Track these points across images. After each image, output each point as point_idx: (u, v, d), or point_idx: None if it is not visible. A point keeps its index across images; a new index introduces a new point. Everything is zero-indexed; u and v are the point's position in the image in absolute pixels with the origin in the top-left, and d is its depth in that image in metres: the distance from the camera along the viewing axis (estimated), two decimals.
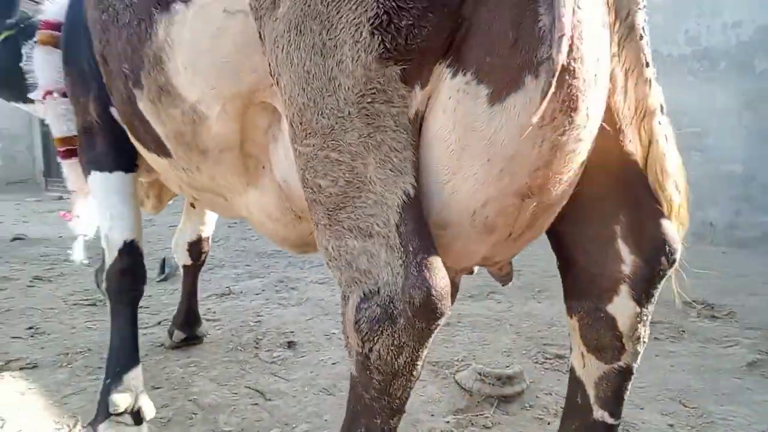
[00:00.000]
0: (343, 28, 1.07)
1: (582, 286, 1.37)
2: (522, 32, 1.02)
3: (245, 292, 4.14)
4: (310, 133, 1.18)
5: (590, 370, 1.38)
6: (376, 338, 1.14)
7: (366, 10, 1.04)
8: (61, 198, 12.44)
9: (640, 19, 1.12)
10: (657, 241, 1.29)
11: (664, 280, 1.33)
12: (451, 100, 1.11)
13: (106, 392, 2.06)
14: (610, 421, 1.37)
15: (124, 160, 2.14)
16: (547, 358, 2.77)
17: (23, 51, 2.49)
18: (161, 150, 1.81)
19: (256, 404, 2.33)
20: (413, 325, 1.12)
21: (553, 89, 0.96)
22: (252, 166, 1.61)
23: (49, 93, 2.31)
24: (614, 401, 1.37)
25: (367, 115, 1.10)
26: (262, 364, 2.75)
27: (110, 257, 2.14)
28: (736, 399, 2.37)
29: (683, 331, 3.21)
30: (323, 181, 1.18)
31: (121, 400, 2.00)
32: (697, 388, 2.47)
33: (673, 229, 1.33)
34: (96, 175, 2.15)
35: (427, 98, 1.13)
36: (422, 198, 1.16)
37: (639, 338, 1.33)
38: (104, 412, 2.02)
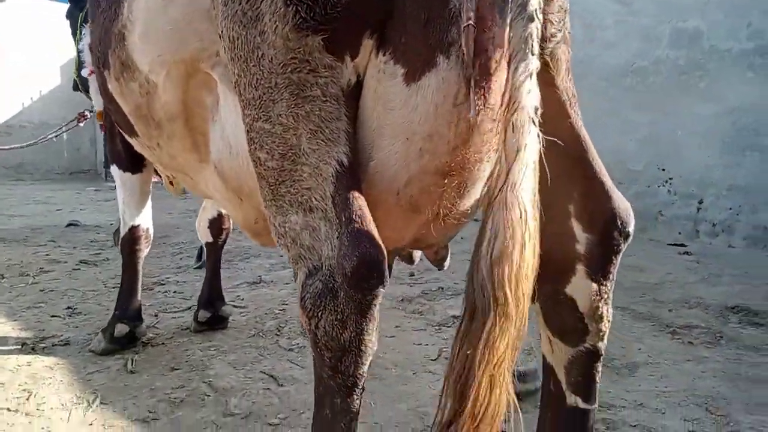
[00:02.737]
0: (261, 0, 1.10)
1: (541, 270, 1.35)
2: (433, 13, 1.06)
3: (275, 281, 4.20)
4: (246, 104, 1.20)
5: (558, 355, 1.35)
6: (320, 314, 1.14)
7: None
8: None
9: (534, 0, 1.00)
10: (609, 217, 1.28)
11: (621, 255, 1.30)
12: (373, 79, 1.14)
13: (114, 320, 2.75)
14: (583, 406, 1.35)
15: (132, 163, 2.57)
16: None
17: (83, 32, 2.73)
18: (131, 130, 2.00)
19: (269, 389, 2.36)
20: (352, 298, 1.11)
21: (474, 76, 1.00)
22: (202, 144, 1.70)
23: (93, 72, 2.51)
24: (586, 385, 1.34)
25: (294, 85, 1.11)
26: (281, 351, 2.78)
27: (123, 230, 2.75)
28: None
29: (720, 337, 3.04)
30: (261, 154, 1.21)
31: (121, 329, 2.72)
32: (728, 397, 2.33)
33: (625, 203, 1.30)
34: (113, 167, 2.63)
35: (361, 71, 1.15)
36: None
37: (602, 317, 1.31)
38: (110, 334, 2.71)
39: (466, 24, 1.02)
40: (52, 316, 3.31)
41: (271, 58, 1.12)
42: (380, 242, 1.12)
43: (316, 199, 1.16)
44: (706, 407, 2.23)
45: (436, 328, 3.12)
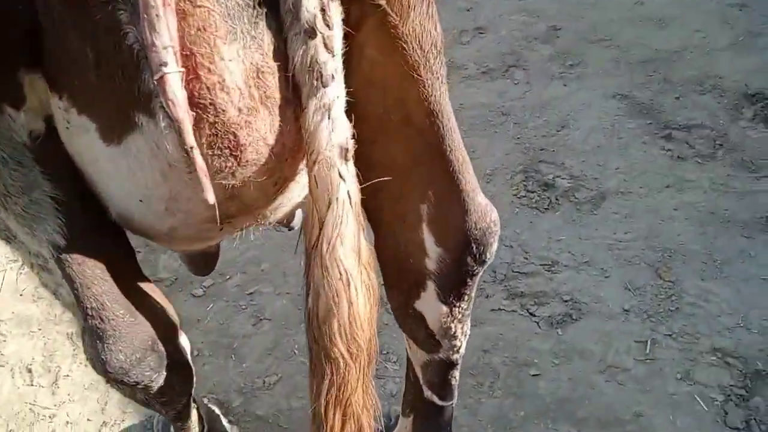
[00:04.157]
0: None
1: (392, 276, 1.13)
2: (103, 50, 0.68)
3: None
4: None
5: (415, 354, 1.25)
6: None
7: None
8: None
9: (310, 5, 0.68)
10: (463, 238, 1.00)
11: (478, 276, 1.07)
12: (63, 130, 0.82)
13: None
14: (440, 403, 1.31)
15: None
16: (529, 191, 2.44)
17: None
18: None
19: None
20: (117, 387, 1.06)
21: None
22: None
23: None
24: (441, 386, 1.28)
25: None
26: None
27: None
28: (726, 272, 2.04)
29: (720, 145, 2.64)
30: None
31: None
32: (688, 250, 2.13)
33: (487, 216, 1.01)
34: None
35: (48, 112, 0.81)
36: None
37: (455, 335, 1.15)
38: None
39: (158, 74, 0.61)
40: None
41: None
42: (125, 346, 0.98)
43: (58, 279, 0.96)
44: (656, 268, 2.08)
45: None
